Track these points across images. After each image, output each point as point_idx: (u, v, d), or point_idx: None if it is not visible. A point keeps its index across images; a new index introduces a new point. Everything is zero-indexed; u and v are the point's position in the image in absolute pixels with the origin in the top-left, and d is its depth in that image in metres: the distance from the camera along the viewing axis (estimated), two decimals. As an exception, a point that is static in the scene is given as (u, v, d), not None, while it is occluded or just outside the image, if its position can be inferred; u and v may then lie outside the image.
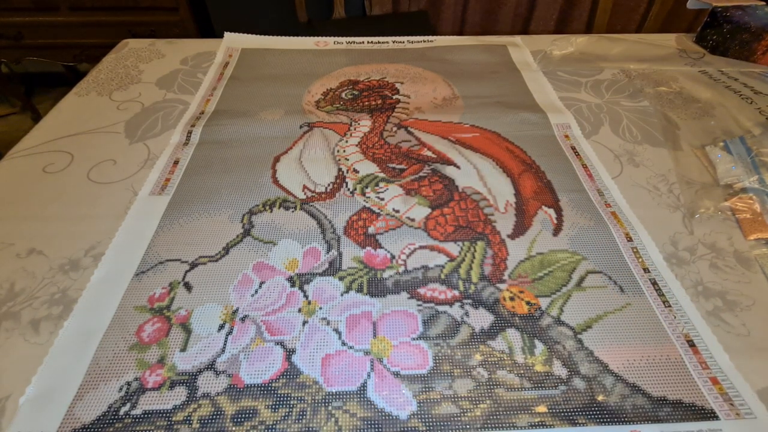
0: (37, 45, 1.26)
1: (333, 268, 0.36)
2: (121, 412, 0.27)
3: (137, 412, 0.27)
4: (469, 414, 0.28)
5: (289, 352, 0.30)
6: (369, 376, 0.29)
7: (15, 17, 1.20)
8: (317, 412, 0.27)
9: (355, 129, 0.51)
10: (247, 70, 0.63)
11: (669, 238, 0.39)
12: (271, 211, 0.41)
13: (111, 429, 0.27)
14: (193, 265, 0.36)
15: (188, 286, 0.34)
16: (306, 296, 0.34)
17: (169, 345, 0.31)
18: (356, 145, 0.49)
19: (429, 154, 0.48)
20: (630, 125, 0.53)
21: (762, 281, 0.36)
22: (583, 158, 0.48)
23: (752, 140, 0.48)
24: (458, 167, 0.46)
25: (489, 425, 0.27)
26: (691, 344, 0.31)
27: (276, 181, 0.44)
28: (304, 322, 0.32)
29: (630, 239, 0.39)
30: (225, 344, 0.31)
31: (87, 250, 0.37)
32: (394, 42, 0.71)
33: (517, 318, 0.32)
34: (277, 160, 0.47)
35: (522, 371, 0.29)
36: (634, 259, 0.37)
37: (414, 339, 0.31)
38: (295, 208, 0.41)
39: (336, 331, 0.32)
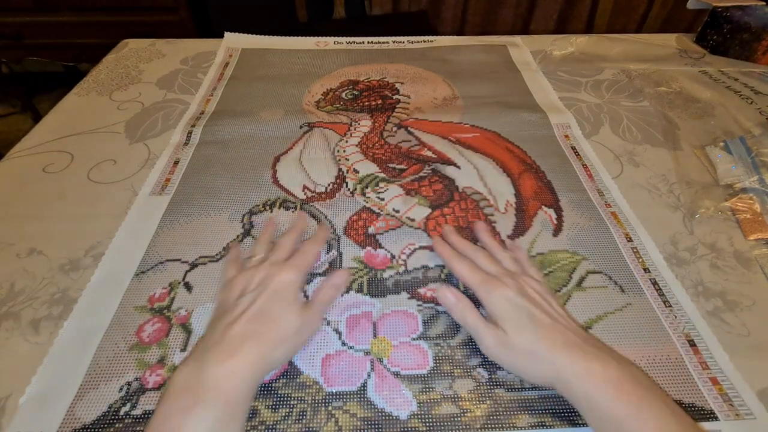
0: (37, 45, 1.26)
1: (333, 268, 0.36)
2: (122, 412, 0.27)
3: (137, 412, 0.27)
4: (469, 414, 0.28)
5: (290, 352, 0.30)
6: (369, 376, 0.29)
7: (15, 17, 1.20)
8: (317, 413, 0.27)
9: (355, 129, 0.51)
10: (247, 70, 0.63)
11: (669, 238, 0.39)
12: (272, 211, 0.41)
13: (111, 429, 0.27)
14: (194, 265, 0.36)
15: (188, 286, 0.34)
16: (306, 297, 0.34)
17: (169, 345, 0.31)
18: (356, 145, 0.49)
19: (429, 154, 0.48)
20: (630, 125, 0.53)
21: (762, 281, 0.36)
22: (583, 158, 0.48)
23: (752, 140, 0.48)
24: (458, 167, 0.46)
25: (489, 425, 0.27)
26: (692, 344, 0.31)
27: (276, 181, 0.44)
28: (305, 322, 0.32)
29: (630, 239, 0.39)
30: (225, 344, 0.31)
31: (87, 250, 0.37)
32: (394, 42, 0.71)
33: (517, 318, 0.32)
34: (277, 160, 0.47)
35: (522, 371, 0.29)
36: (635, 259, 0.37)
37: (414, 339, 0.31)
38: (296, 208, 0.41)
39: (336, 331, 0.32)
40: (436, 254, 0.37)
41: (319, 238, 0.36)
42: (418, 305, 0.33)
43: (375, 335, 0.31)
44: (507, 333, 0.28)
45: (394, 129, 0.51)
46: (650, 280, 0.35)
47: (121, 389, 0.28)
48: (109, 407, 0.28)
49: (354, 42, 0.71)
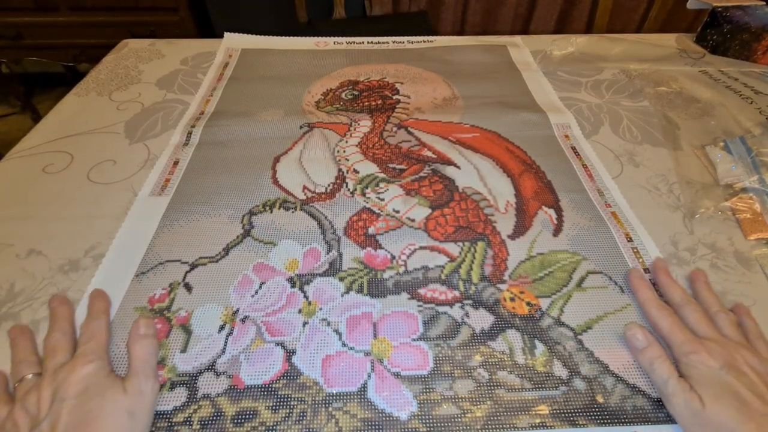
0: (37, 45, 1.25)
1: (333, 269, 0.36)
2: (122, 413, 0.27)
3: (137, 413, 0.27)
4: (469, 415, 0.28)
5: (290, 353, 0.30)
6: (369, 377, 0.29)
7: (15, 17, 1.20)
8: (317, 413, 0.27)
9: (355, 129, 0.51)
10: (247, 71, 0.63)
11: (669, 238, 0.39)
12: (271, 212, 0.41)
13: (111, 430, 0.27)
14: (193, 266, 0.36)
15: (188, 287, 0.34)
16: (306, 297, 0.34)
17: (169, 346, 0.31)
18: (356, 146, 0.49)
19: (429, 154, 0.48)
20: (630, 125, 0.53)
21: (762, 281, 0.36)
22: (583, 158, 0.48)
23: (752, 140, 0.48)
24: (458, 167, 0.46)
25: (489, 426, 0.27)
26: (692, 345, 0.31)
27: (276, 182, 0.44)
28: (305, 323, 0.32)
29: (630, 239, 0.39)
30: (225, 345, 0.31)
31: (87, 250, 0.37)
32: (394, 42, 0.71)
33: (517, 319, 0.32)
34: (277, 160, 0.47)
35: (522, 372, 0.29)
36: (635, 259, 0.37)
37: (414, 340, 0.31)
38: (295, 208, 0.41)
39: (336, 331, 0.32)
40: (436, 254, 0.37)
41: (95, 311, 0.30)
42: (419, 306, 0.33)
43: (375, 336, 0.31)
44: (704, 402, 0.24)
45: (394, 129, 0.51)
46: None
47: (121, 390, 0.28)
48: (109, 408, 0.27)
49: (354, 42, 0.71)
